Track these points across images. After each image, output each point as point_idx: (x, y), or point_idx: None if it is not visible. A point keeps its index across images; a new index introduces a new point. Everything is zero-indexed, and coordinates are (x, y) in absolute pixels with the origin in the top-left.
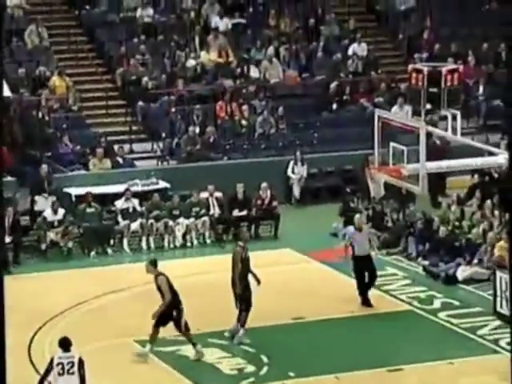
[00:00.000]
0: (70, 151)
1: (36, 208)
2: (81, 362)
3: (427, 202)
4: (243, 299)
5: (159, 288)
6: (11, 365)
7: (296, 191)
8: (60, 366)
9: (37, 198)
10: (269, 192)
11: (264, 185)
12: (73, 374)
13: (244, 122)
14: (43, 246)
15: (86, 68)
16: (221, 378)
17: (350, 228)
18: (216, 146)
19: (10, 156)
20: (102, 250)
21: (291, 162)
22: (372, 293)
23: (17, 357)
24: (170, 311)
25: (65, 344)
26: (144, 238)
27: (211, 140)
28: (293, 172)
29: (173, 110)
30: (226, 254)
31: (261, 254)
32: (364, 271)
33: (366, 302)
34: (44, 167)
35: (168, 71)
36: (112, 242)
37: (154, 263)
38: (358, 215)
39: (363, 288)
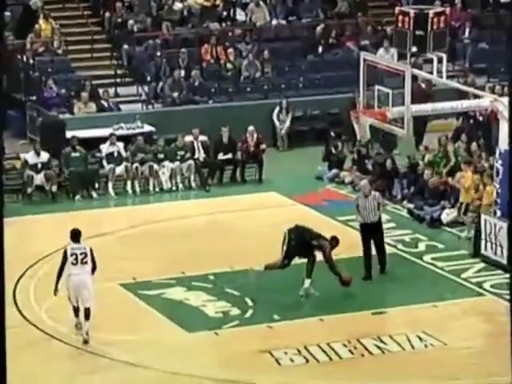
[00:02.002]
0: (55, 95)
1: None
2: (91, 251)
3: (411, 145)
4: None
5: None
6: None
7: (280, 140)
8: (74, 257)
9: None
10: (255, 135)
11: (251, 128)
12: (86, 263)
13: (229, 66)
14: (29, 190)
15: (72, 11)
16: (206, 320)
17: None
18: (201, 90)
19: None
20: (87, 193)
21: (276, 109)
22: (354, 236)
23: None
24: None
25: (76, 236)
26: (129, 182)
27: (196, 83)
28: (278, 119)
29: (158, 53)
30: (211, 197)
31: (246, 197)
32: (369, 240)
33: (367, 277)
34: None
35: (154, 14)
36: (97, 185)
37: None
38: (363, 182)
39: (367, 259)
